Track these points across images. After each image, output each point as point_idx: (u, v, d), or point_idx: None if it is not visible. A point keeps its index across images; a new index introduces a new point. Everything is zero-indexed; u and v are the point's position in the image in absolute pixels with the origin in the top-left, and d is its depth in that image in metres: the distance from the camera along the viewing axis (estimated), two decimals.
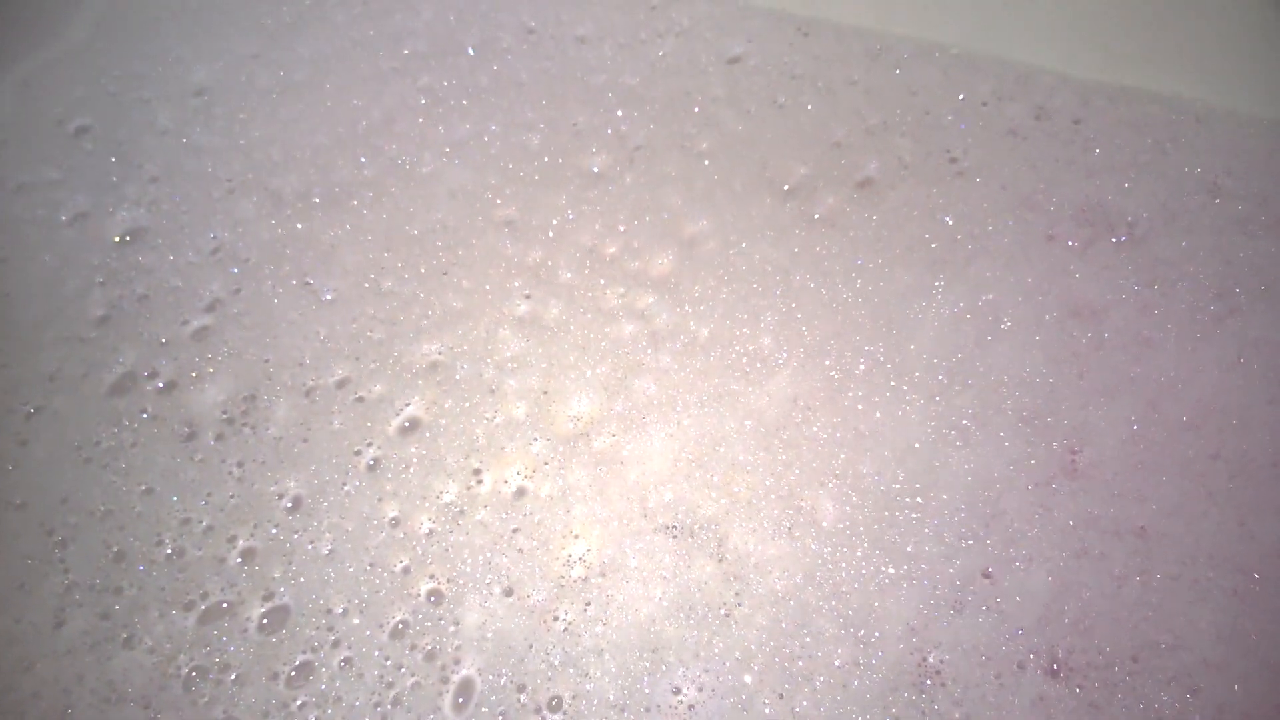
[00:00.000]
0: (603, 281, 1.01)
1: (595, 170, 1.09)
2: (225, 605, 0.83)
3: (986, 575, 0.84)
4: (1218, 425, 0.90)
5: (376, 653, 0.80)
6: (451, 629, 0.81)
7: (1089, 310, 0.97)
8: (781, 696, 0.78)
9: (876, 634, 0.81)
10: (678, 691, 0.78)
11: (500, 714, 0.77)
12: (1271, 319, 0.95)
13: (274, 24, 1.25)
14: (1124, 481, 0.89)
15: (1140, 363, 0.94)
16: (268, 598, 0.83)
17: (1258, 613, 0.82)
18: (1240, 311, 0.96)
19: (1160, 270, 0.99)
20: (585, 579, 0.84)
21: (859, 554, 0.83)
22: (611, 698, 0.78)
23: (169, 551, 0.85)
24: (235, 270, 1.03)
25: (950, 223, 1.04)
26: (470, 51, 1.21)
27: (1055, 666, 0.80)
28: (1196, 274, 0.98)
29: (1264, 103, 1.05)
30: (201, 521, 0.86)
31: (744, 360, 0.95)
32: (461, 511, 0.86)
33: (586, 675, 0.79)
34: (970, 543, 0.85)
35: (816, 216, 1.05)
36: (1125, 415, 0.92)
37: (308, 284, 1.01)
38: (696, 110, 1.15)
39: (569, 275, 1.01)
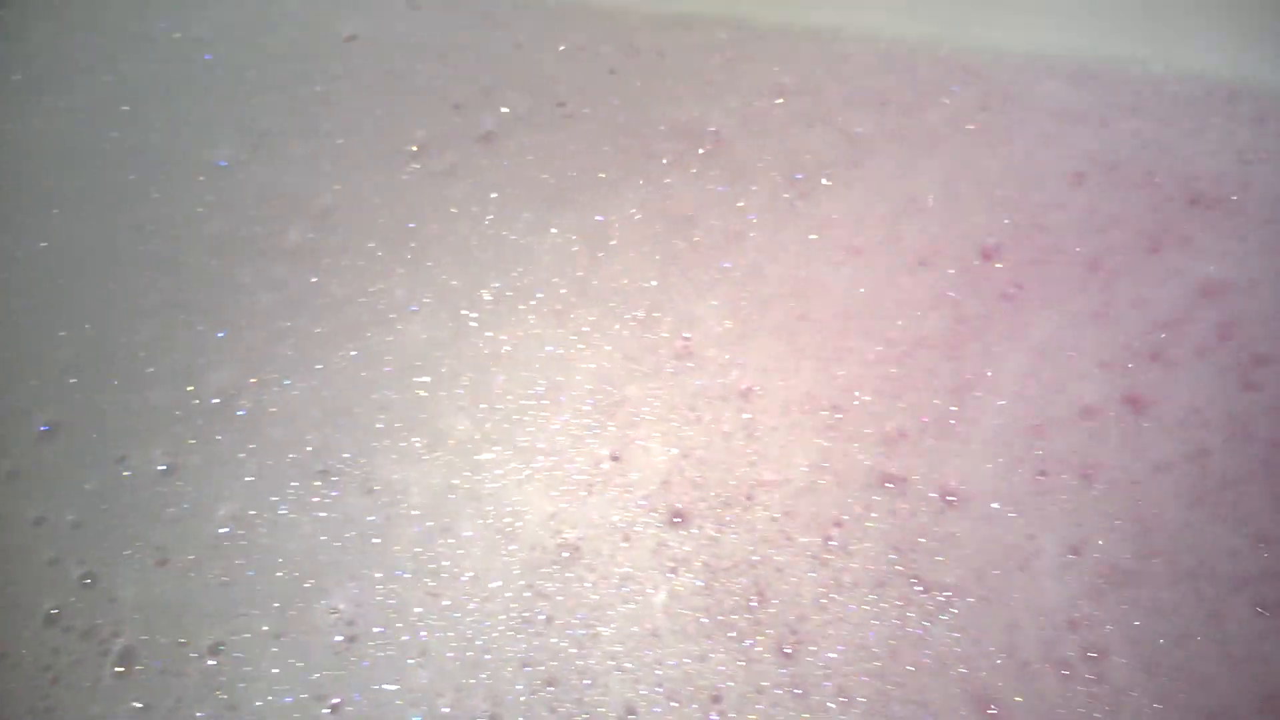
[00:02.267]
0: (236, 262, 1.04)
1: (222, 164, 1.12)
2: None
3: (615, 458, 0.94)
4: (802, 293, 1.04)
5: (31, 642, 0.81)
6: (108, 605, 0.83)
7: (684, 216, 1.09)
8: (433, 595, 0.85)
9: (518, 525, 0.89)
10: (335, 610, 0.84)
11: (160, 670, 0.80)
12: (834, 197, 1.10)
13: None
14: (729, 354, 1.00)
15: (731, 253, 1.07)
16: None
17: (842, 438, 0.96)
18: (809, 194, 1.10)
19: (741, 170, 1.12)
20: (237, 534, 0.87)
21: (493, 459, 0.91)
22: (268, 629, 0.82)
23: None
24: None
25: (562, 161, 1.13)
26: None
27: (677, 518, 0.90)
28: (769, 169, 1.12)
29: (816, 10, 1.21)
30: None
31: (379, 311, 1.01)
32: (108, 499, 0.88)
33: (246, 617, 0.83)
34: (596, 431, 0.94)
35: (441, 173, 1.12)
36: (725, 299, 1.04)
37: None
38: (318, 89, 1.19)
39: (202, 262, 1.04)
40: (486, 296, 1.02)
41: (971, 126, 1.16)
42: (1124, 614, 0.85)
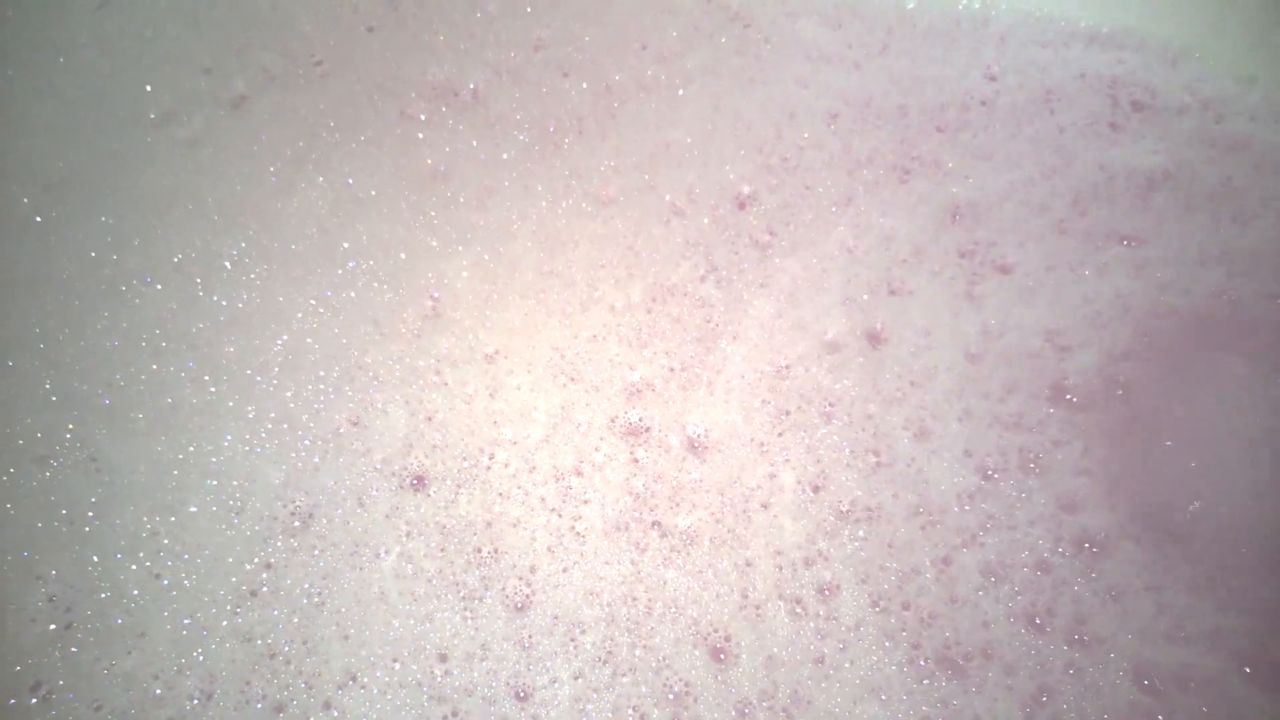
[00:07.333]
0: None
1: None
2: None
3: (354, 423, 0.92)
4: (551, 248, 1.03)
5: None
6: None
7: (436, 173, 1.07)
8: (153, 575, 0.83)
9: (247, 498, 0.87)
10: (50, 599, 0.81)
11: None
12: (587, 147, 1.09)
13: None
14: (477, 315, 0.99)
15: (484, 210, 1.05)
16: None
17: (586, 390, 0.96)
18: (561, 146, 1.09)
19: (495, 124, 1.10)
20: None
21: (221, 431, 0.89)
22: None
23: None
24: None
25: (315, 122, 1.10)
26: None
27: (416, 481, 0.90)
28: (523, 121, 1.10)
29: None
30: None
31: (111, 284, 0.97)
32: None
33: None
34: (332, 397, 0.93)
35: (185, 139, 1.08)
36: (475, 258, 1.02)
37: None
38: (62, 60, 1.14)
39: None
40: (225, 264, 0.99)
41: (729, 71, 1.16)
42: (855, 550, 0.87)
